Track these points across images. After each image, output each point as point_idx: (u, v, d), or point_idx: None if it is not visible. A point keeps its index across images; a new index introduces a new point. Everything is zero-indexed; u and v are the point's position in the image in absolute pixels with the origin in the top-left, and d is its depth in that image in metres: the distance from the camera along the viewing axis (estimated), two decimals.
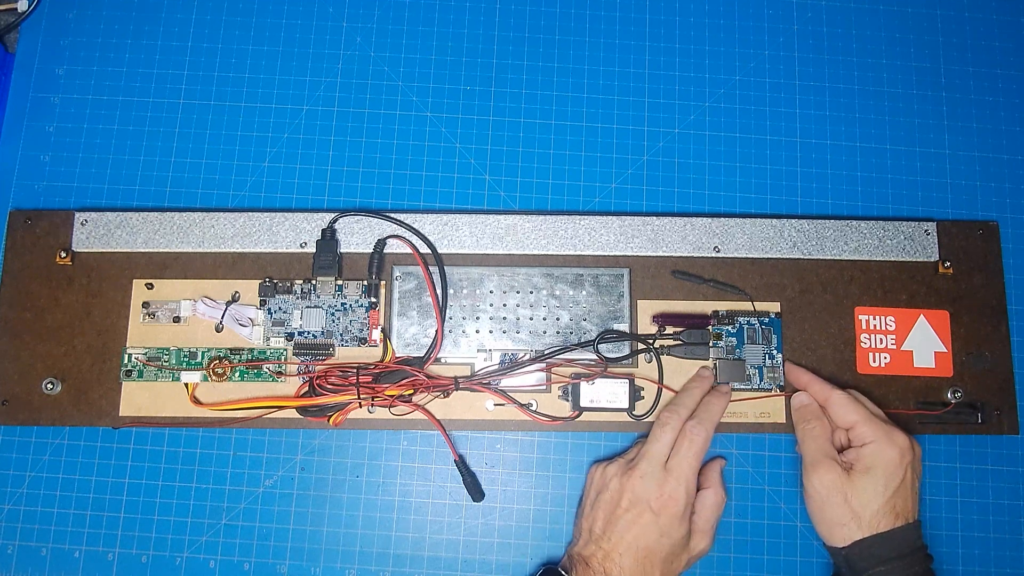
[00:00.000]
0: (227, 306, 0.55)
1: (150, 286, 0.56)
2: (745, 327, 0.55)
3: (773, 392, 0.55)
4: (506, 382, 0.54)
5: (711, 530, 0.51)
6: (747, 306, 0.56)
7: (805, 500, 0.51)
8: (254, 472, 0.56)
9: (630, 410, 0.53)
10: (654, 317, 0.55)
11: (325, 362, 0.55)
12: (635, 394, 0.54)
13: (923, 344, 0.56)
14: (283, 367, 0.54)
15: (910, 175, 0.61)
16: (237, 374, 0.54)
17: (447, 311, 0.55)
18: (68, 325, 0.55)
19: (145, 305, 0.55)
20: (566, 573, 0.50)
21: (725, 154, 0.61)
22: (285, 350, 0.55)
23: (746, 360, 0.55)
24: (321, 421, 0.53)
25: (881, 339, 0.56)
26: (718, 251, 0.56)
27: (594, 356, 0.54)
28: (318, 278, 0.55)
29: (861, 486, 0.49)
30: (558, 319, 0.55)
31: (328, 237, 0.56)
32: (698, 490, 0.51)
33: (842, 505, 0.49)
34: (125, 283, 0.56)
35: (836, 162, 0.61)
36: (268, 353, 0.55)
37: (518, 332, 0.55)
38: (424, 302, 0.55)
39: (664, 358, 0.55)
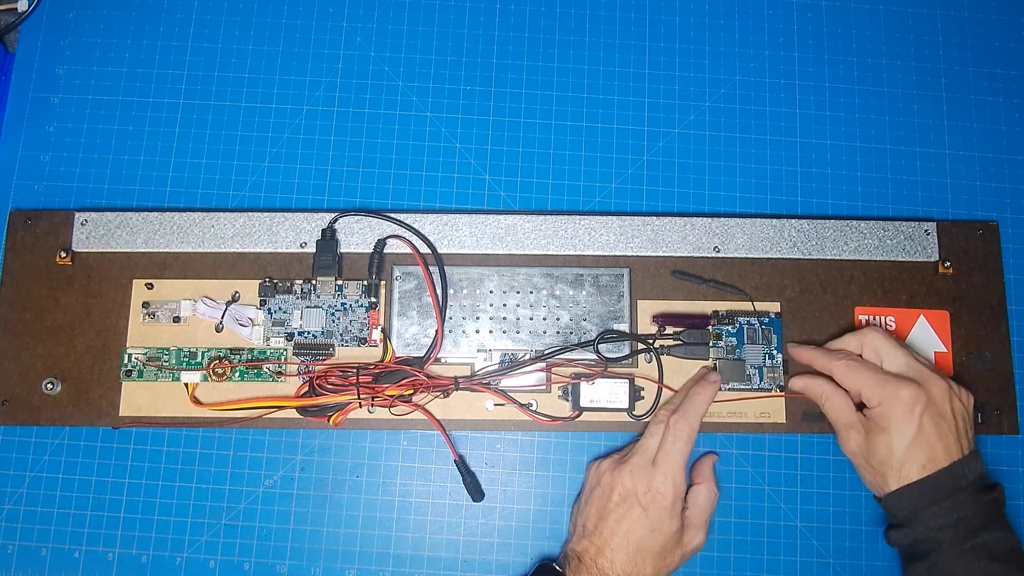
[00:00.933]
0: (227, 306, 0.55)
1: (150, 286, 0.56)
2: (745, 327, 0.55)
3: (773, 392, 0.55)
4: (506, 382, 0.54)
5: (704, 525, 0.51)
6: (747, 306, 0.56)
7: None
8: (254, 472, 0.56)
9: (630, 410, 0.54)
10: (654, 317, 0.55)
11: (325, 362, 0.55)
12: (635, 394, 0.54)
13: (923, 344, 0.56)
14: (283, 367, 0.54)
15: (910, 175, 0.61)
16: (237, 374, 0.54)
17: (447, 311, 0.55)
18: (68, 325, 0.55)
19: (145, 305, 0.55)
20: (560, 569, 0.50)
21: (725, 154, 0.61)
22: (285, 350, 0.55)
23: (746, 360, 0.55)
24: (321, 421, 0.53)
25: None
26: (718, 251, 0.56)
27: (594, 356, 0.54)
28: (318, 278, 0.55)
29: (877, 446, 0.49)
30: (558, 319, 0.55)
31: (328, 237, 0.56)
32: (691, 486, 0.51)
33: (867, 467, 0.50)
34: (125, 283, 0.56)
35: (836, 162, 0.61)
36: (268, 353, 0.55)
37: (518, 332, 0.55)
38: (424, 302, 0.55)
39: (664, 358, 0.55)
